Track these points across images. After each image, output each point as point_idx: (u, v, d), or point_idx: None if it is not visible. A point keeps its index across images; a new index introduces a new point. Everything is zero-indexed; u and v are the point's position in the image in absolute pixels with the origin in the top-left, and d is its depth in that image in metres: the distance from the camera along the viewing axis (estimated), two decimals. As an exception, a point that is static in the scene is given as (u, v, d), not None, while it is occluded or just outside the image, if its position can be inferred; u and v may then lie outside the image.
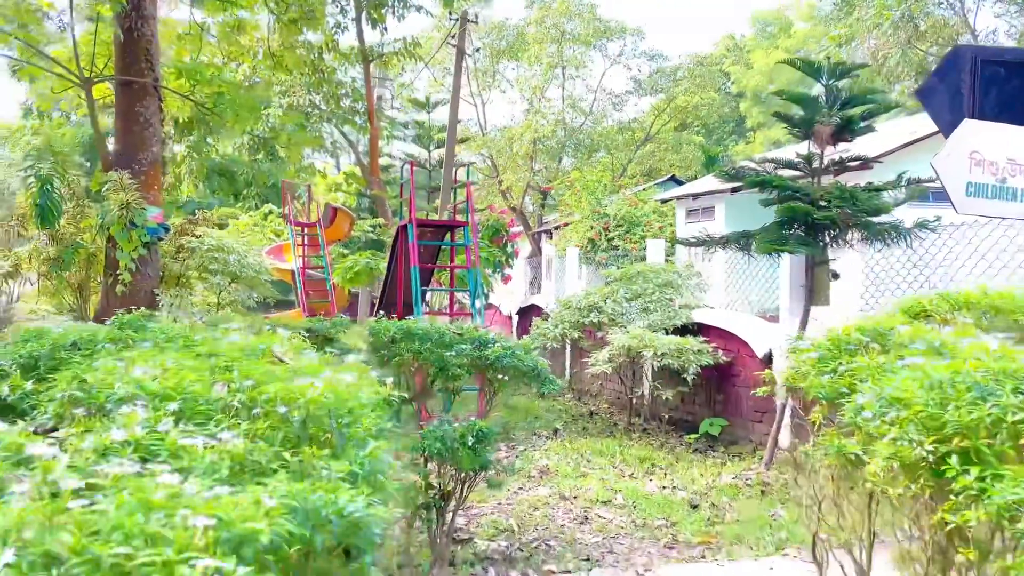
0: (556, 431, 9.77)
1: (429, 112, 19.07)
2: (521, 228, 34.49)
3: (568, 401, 12.08)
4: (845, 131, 6.94)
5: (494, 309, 16.59)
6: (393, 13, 23.51)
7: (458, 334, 5.06)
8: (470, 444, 4.53)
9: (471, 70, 36.73)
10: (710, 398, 9.42)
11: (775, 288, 10.17)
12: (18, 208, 11.87)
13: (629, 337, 8.86)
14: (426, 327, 4.93)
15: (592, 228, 21.96)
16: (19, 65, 12.32)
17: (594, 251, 21.30)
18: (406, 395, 5.06)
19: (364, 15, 23.71)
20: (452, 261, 10.72)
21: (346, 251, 22.22)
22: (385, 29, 23.48)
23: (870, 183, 6.84)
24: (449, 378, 4.86)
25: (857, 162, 6.97)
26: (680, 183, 27.99)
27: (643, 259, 14.64)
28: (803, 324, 7.12)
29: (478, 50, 26.42)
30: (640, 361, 9.45)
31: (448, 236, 10.43)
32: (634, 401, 9.90)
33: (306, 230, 18.49)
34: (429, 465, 4.87)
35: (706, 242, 7.57)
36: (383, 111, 27.14)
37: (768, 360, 8.30)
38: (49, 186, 9.94)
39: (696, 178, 27.01)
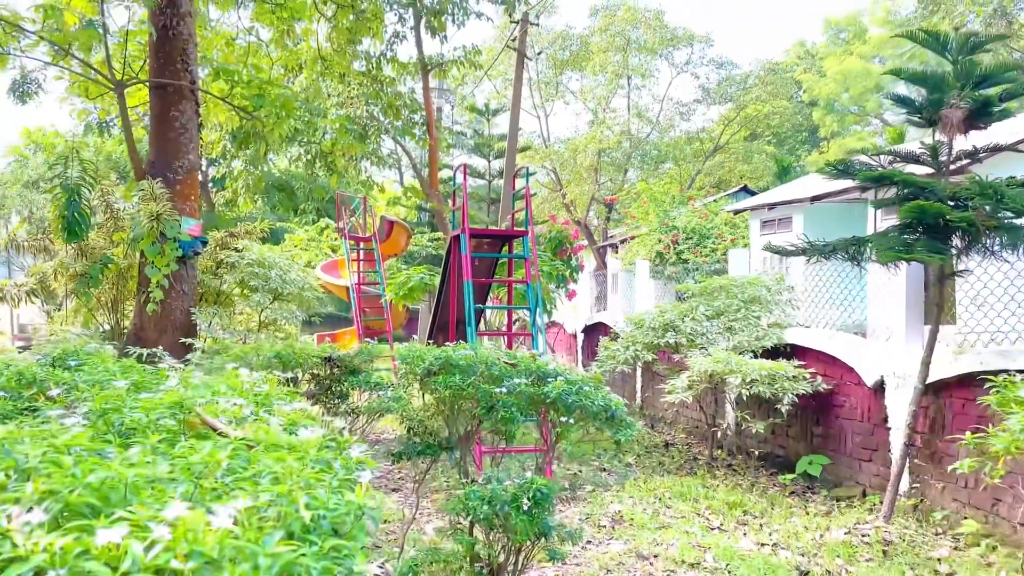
0: (629, 465, 8.65)
1: (488, 120, 18.10)
2: (586, 242, 33.49)
3: (640, 429, 10.93)
4: (980, 115, 5.75)
5: (558, 327, 15.52)
6: (453, 21, 22.77)
7: (511, 365, 4.01)
8: (525, 508, 3.49)
9: (534, 82, 35.93)
10: (806, 431, 8.21)
11: (861, 302, 8.96)
12: (47, 222, 11.20)
13: (712, 361, 7.72)
14: (471, 356, 3.87)
15: (660, 241, 20.88)
16: (62, 76, 11.74)
17: (663, 265, 20.18)
18: (445, 439, 4.03)
19: (423, 23, 22.99)
20: (510, 275, 9.69)
21: (404, 266, 21.42)
22: (445, 38, 22.75)
23: (1012, 178, 5.61)
24: (500, 420, 3.81)
25: (994, 152, 5.77)
26: (752, 193, 26.68)
27: (717, 272, 13.45)
28: (929, 347, 5.91)
29: (540, 54, 25.45)
30: (723, 388, 8.29)
31: (505, 248, 9.41)
32: (717, 433, 8.73)
33: (361, 244, 17.65)
34: (476, 530, 3.84)
35: (806, 251, 6.40)
36: (442, 123, 26.34)
37: (879, 389, 7.09)
38: (76, 196, 9.18)
39: (768, 189, 25.70)
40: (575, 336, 14.75)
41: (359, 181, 28.59)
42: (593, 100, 36.27)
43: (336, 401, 4.01)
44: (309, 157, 23.55)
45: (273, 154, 23.97)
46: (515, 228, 9.39)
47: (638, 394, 12.11)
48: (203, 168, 31.22)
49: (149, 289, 9.72)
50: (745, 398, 7.94)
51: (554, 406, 3.84)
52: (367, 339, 17.83)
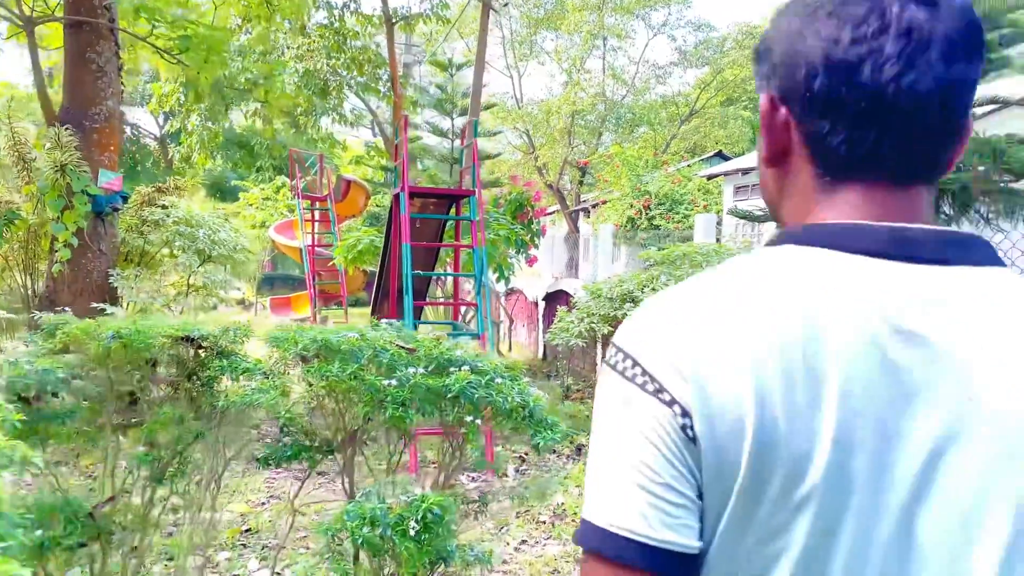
0: (580, 448, 7.97)
1: (452, 75, 17.20)
2: (558, 206, 32.76)
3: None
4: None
5: (518, 294, 14.80)
6: (419, -29, 21.76)
7: (408, 350, 3.26)
8: (413, 532, 2.77)
9: (507, 40, 34.90)
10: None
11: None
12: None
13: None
14: (355, 339, 3.12)
15: (632, 206, 20.21)
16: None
17: (634, 231, 19.50)
18: (326, 441, 3.30)
19: (387, -27, 21.94)
20: (458, 239, 8.93)
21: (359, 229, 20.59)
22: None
23: (1012, 135, 4.91)
24: (391, 419, 3.07)
25: (994, 105, 5.07)
26: (727, 159, 26.03)
27: (689, 239, 12.77)
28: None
29: (506, 4, 24.47)
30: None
31: (454, 210, 8.64)
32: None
33: (316, 204, 16.77)
34: (362, 557, 3.13)
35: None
36: (409, 80, 25.36)
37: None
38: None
39: (744, 155, 25.08)
40: (536, 304, 14.04)
41: (318, 138, 27.65)
42: (567, 61, 35.33)
43: (201, 390, 3.24)
44: (266, 112, 22.63)
45: (234, 108, 23.01)
46: (463, 188, 8.61)
47: (599, 367, 11.43)
48: (158, 122, 30.12)
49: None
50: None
51: (457, 402, 3.11)
52: (322, 304, 17.07)
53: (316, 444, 3.25)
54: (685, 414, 0.80)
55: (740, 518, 0.81)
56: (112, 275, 8.88)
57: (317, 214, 16.84)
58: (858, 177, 0.90)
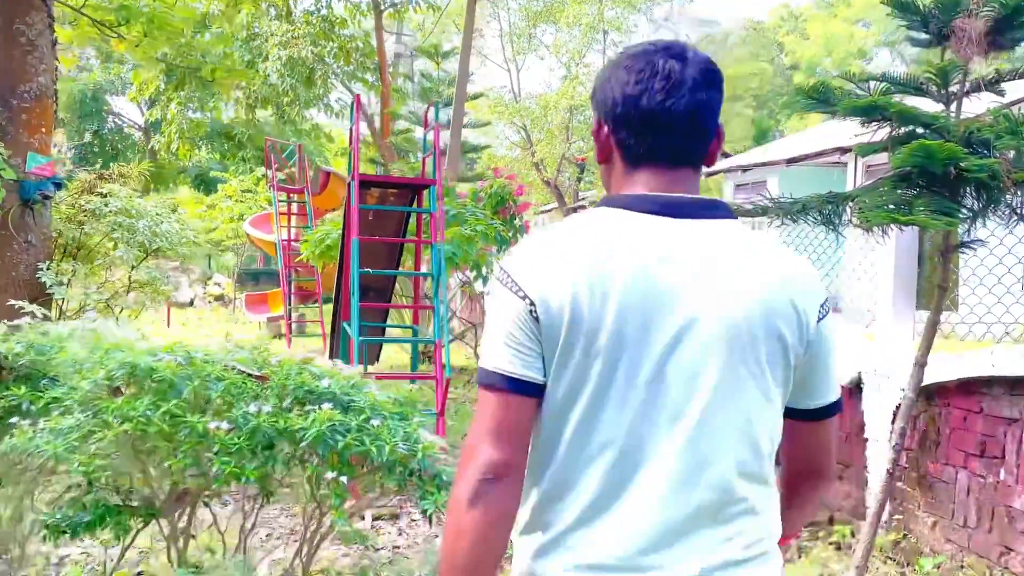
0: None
1: (438, 62, 16.36)
2: (555, 203, 31.92)
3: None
4: (1007, 29, 4.19)
5: (501, 295, 13.92)
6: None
7: (257, 378, 2.42)
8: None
9: (505, 33, 33.99)
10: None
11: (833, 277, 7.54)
12: None
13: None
14: (176, 365, 2.27)
15: None
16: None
17: None
18: (146, 499, 2.46)
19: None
20: (419, 235, 8.10)
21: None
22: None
23: (1051, 114, 4.07)
24: (220, 477, 2.24)
25: (1028, 79, 4.24)
26: (728, 156, 25.19)
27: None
28: (927, 341, 4.37)
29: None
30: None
31: (415, 201, 7.81)
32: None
33: (293, 197, 15.92)
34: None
35: (769, 210, 4.83)
36: (399, 70, 24.50)
37: (855, 388, 5.59)
38: None
39: (746, 152, 24.28)
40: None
41: (303, 128, 26.78)
42: (566, 54, 34.43)
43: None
44: (250, 101, 21.78)
45: (219, 96, 22.15)
46: (424, 177, 7.77)
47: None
48: (140, 109, 29.15)
49: (-13, 241, 8.10)
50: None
51: (314, 452, 2.27)
52: (298, 302, 16.23)
53: (133, 504, 2.40)
54: (533, 304, 1.38)
55: (562, 362, 1.38)
56: (41, 270, 8.06)
57: (295, 207, 15.97)
58: (645, 165, 1.48)
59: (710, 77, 1.45)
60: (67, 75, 26.92)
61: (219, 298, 22.39)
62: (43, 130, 8.29)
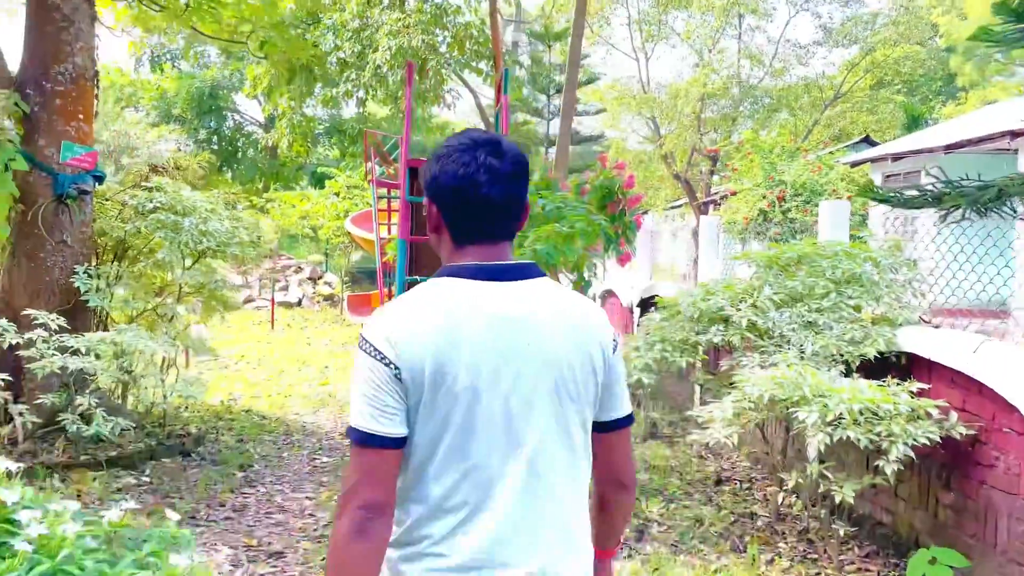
0: (643, 528, 5.68)
1: (549, 45, 15.00)
2: (686, 198, 30.18)
3: (690, 453, 7.86)
4: None
5: (613, 299, 12.52)
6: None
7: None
8: None
9: (633, 20, 32.27)
10: (928, 495, 5.06)
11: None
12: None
13: (773, 381, 4.68)
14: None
15: (764, 197, 17.80)
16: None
17: (765, 225, 17.03)
18: None
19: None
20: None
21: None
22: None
23: None
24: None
25: None
26: (875, 145, 22.91)
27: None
28: None
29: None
30: (794, 419, 5.20)
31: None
32: (787, 482, 5.62)
33: (394, 192, 14.91)
34: None
35: (943, 199, 3.25)
36: (516, 59, 23.22)
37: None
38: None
39: (896, 139, 21.97)
40: (631, 311, 11.74)
41: (425, 124, 25.87)
42: (699, 40, 32.46)
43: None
44: (361, 94, 20.99)
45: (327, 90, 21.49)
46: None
47: (697, 398, 9.01)
48: (261, 105, 28.90)
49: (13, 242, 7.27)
50: (831, 441, 4.79)
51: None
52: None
53: None
54: (398, 369, 1.62)
55: (427, 412, 1.63)
56: (77, 273, 7.17)
57: (396, 203, 14.96)
58: (471, 241, 1.77)
59: (520, 169, 1.78)
60: (187, 72, 27.00)
61: (328, 298, 21.71)
62: (81, 116, 7.40)
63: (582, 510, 1.78)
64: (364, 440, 1.63)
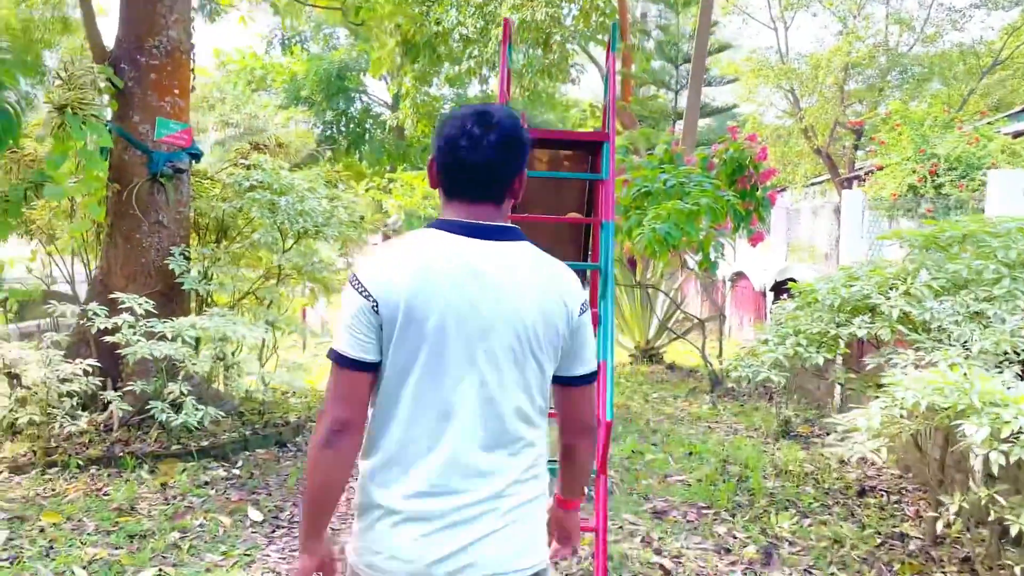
0: (769, 556, 4.91)
1: (679, 11, 14.08)
2: (828, 174, 28.55)
3: (829, 458, 6.95)
4: None
5: (744, 281, 11.59)
6: None
7: None
8: None
9: (771, -12, 30.59)
10: None
11: None
12: None
13: (930, 384, 3.84)
14: None
15: (914, 172, 16.48)
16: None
17: (915, 201, 15.73)
18: None
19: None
20: (597, 210, 6.04)
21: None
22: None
23: None
24: None
25: None
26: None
27: (981, 211, 9.09)
28: None
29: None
30: (956, 436, 4.30)
31: (591, 164, 5.82)
32: (942, 517, 4.71)
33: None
34: None
35: None
36: (646, 29, 22.26)
37: None
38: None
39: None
40: (763, 295, 10.81)
41: (556, 101, 25.18)
42: (843, 6, 30.55)
43: None
44: (485, 72, 20.52)
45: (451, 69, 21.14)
46: (604, 130, 5.70)
47: (837, 396, 8.06)
48: (389, 80, 28.79)
49: (111, 222, 7.06)
50: (1006, 462, 3.88)
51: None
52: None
53: None
54: (375, 302, 1.81)
55: (398, 345, 1.82)
56: (173, 255, 6.91)
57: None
58: (457, 198, 1.93)
59: (508, 141, 1.91)
60: (315, 55, 27.18)
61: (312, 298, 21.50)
62: (176, 92, 7.13)
63: (532, 448, 1.94)
64: (341, 362, 1.85)
